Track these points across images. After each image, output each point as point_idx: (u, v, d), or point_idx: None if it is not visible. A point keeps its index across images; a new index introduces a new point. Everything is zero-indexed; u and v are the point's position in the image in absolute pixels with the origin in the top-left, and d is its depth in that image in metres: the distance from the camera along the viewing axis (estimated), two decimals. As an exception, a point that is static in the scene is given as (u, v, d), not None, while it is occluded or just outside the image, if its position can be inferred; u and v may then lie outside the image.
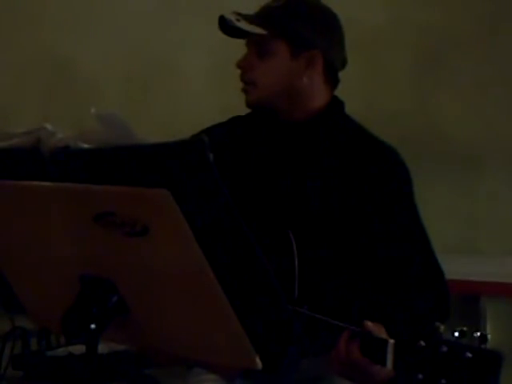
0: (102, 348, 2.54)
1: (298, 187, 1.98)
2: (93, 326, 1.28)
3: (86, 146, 1.18)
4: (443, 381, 1.40)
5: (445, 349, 1.41)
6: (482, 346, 1.37)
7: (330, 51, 2.02)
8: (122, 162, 1.16)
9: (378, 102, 3.20)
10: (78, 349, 2.53)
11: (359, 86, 3.01)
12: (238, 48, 2.05)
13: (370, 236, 1.93)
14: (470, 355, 1.37)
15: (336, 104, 2.08)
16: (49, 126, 1.25)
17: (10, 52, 3.21)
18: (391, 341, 1.52)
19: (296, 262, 1.80)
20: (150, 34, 3.28)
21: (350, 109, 2.09)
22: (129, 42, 3.28)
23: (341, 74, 2.08)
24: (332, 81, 2.06)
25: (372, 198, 1.94)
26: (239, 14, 2.02)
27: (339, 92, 2.08)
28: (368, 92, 3.17)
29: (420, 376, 1.44)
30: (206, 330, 1.30)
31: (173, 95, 3.31)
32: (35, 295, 1.47)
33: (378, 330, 1.61)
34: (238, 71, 2.04)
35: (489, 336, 1.38)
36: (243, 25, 1.99)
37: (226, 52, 2.11)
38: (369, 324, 1.62)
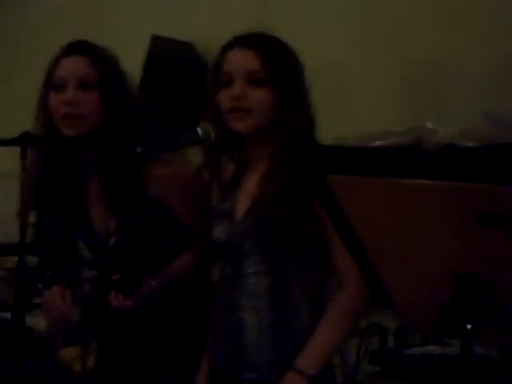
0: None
1: None
2: (469, 326, 1.27)
3: (470, 144, 1.17)
4: None
5: None
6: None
7: None
8: (509, 161, 1.14)
9: None
10: (434, 349, 2.53)
11: None
12: None
13: None
14: None
15: None
16: (429, 124, 1.25)
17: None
18: None
19: None
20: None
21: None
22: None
23: None
24: None
25: None
26: None
27: None
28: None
29: None
30: None
31: None
32: (406, 292, 1.49)
33: None
34: None
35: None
36: None
37: None
38: None
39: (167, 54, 3.79)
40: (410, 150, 1.24)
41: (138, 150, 1.99)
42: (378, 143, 1.31)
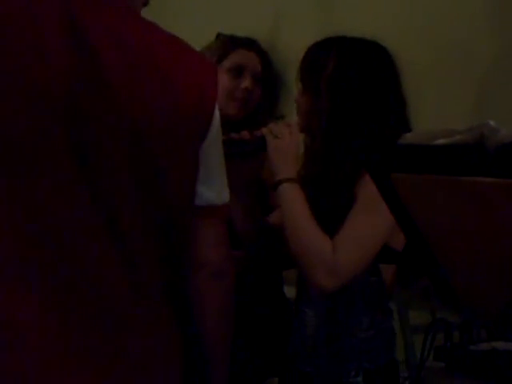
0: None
1: None
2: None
3: (532, 142, 1.18)
4: None
5: None
6: None
7: None
8: None
9: None
10: (500, 345, 2.50)
11: None
12: None
13: None
14: None
15: None
16: (492, 123, 1.26)
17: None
18: None
19: None
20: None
21: None
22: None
23: None
24: None
25: None
26: None
27: None
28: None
29: None
30: None
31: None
32: (471, 287, 1.50)
33: None
34: None
35: None
36: None
37: None
38: None
39: (232, 52, 3.81)
40: (472, 148, 1.25)
41: None
42: (440, 141, 1.32)
